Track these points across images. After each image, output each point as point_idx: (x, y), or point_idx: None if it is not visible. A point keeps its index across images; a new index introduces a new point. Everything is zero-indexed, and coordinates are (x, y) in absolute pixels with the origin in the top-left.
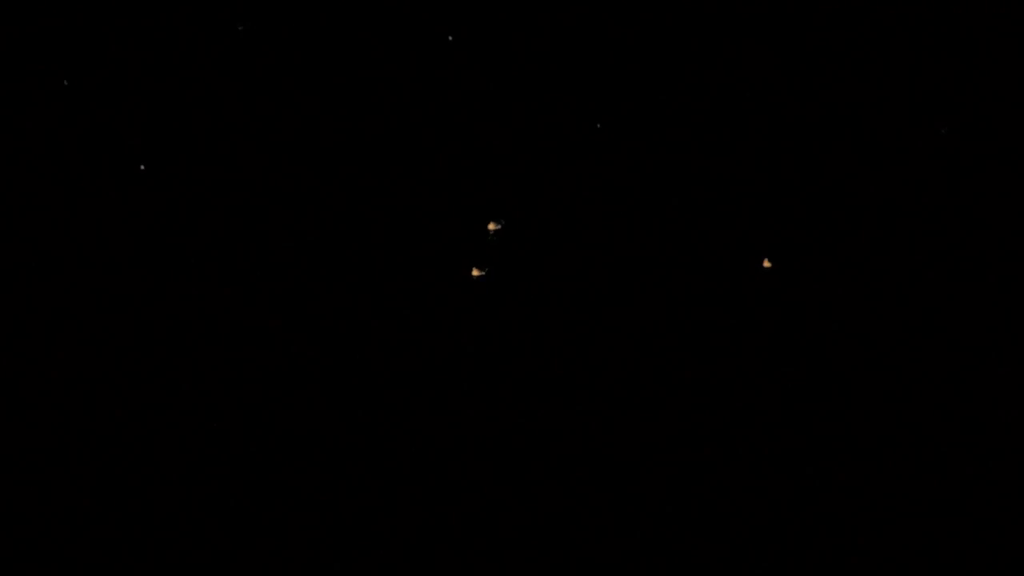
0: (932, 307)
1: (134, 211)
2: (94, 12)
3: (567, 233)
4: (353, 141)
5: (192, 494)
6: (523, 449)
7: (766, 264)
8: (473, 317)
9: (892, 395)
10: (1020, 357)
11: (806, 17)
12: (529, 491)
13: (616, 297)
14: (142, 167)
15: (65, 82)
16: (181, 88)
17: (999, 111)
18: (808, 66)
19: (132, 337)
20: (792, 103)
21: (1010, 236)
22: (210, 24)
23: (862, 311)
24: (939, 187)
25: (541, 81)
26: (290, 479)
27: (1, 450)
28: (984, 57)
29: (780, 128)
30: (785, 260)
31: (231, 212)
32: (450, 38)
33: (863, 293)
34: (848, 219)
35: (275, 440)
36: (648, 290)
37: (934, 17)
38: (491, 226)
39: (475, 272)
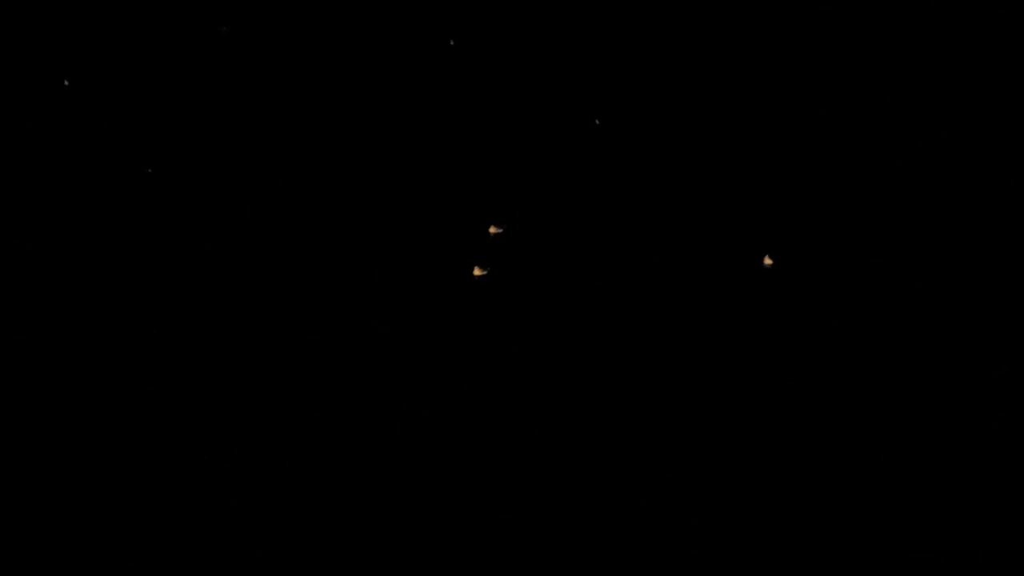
0: (934, 306)
1: (140, 213)
2: (94, 12)
3: (568, 232)
4: (356, 143)
5: (192, 494)
6: (523, 448)
7: (767, 262)
8: (474, 316)
9: (894, 393)
10: (1022, 356)
11: (809, 14)
12: (529, 487)
13: (618, 295)
14: (149, 170)
15: (66, 82)
16: (187, 92)
17: (999, 111)
18: (810, 64)
19: (143, 337)
20: (793, 101)
21: (1011, 235)
22: (213, 26)
23: (863, 309)
24: (941, 186)
25: (541, 83)
26: (291, 478)
27: (1, 450)
28: (984, 57)
29: (781, 127)
30: (786, 258)
31: (235, 213)
32: (452, 43)
33: (864, 291)
34: (849, 217)
35: (277, 438)
36: (650, 288)
37: (935, 16)
38: (492, 229)
39: (477, 272)
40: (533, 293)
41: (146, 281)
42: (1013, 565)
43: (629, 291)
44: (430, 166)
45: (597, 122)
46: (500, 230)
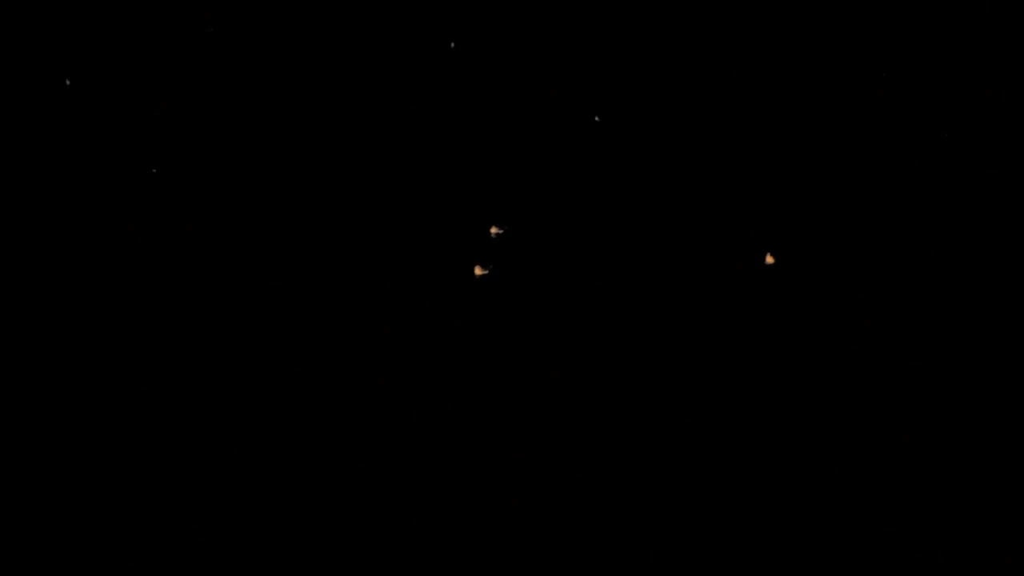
0: (936, 304)
1: (144, 214)
2: (95, 12)
3: (568, 231)
4: (357, 144)
5: (192, 493)
6: (523, 448)
7: (769, 260)
8: (476, 316)
9: (897, 393)
10: None
11: (812, 9)
12: (530, 487)
13: (618, 294)
14: (154, 170)
15: (67, 82)
16: (189, 92)
17: (1000, 110)
18: (812, 60)
19: (146, 336)
20: (795, 97)
21: (1013, 233)
22: (218, 29)
23: (866, 308)
24: (943, 184)
25: (541, 85)
26: (292, 478)
27: (1, 450)
28: (985, 57)
29: (783, 123)
30: (788, 256)
31: (236, 214)
32: (452, 45)
33: (867, 289)
34: (852, 215)
35: (277, 438)
36: (651, 285)
37: (937, 16)
38: (493, 230)
39: (478, 271)
40: (535, 291)
41: (146, 281)
42: (1013, 565)
43: (630, 289)
44: (433, 168)
45: (597, 119)
46: (501, 231)
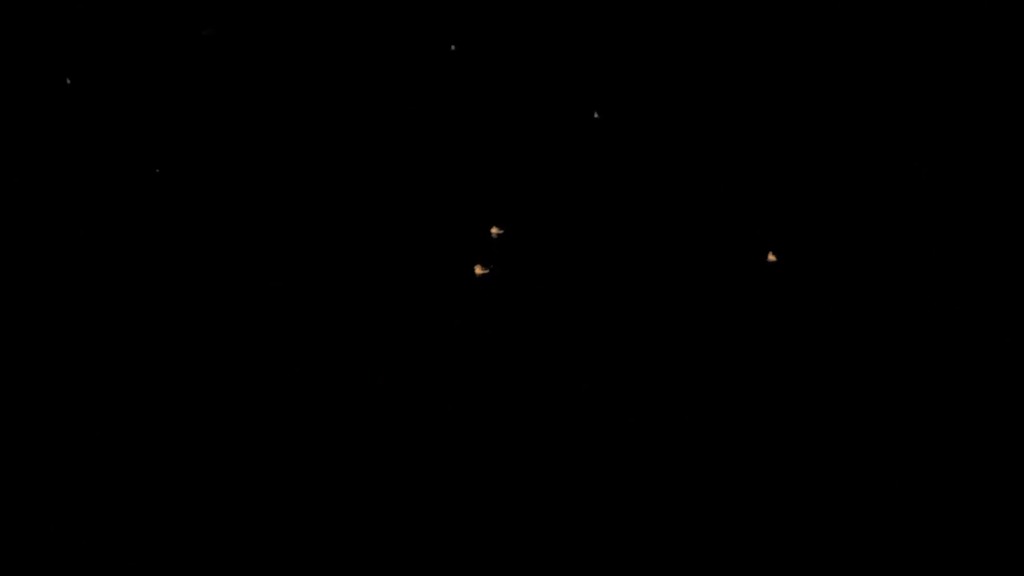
0: (939, 302)
1: (143, 214)
2: (95, 13)
3: (569, 230)
4: (359, 145)
5: (192, 493)
6: (524, 447)
7: (771, 258)
8: (476, 315)
9: (900, 391)
10: None
11: (814, 6)
12: (531, 486)
13: (619, 292)
14: (157, 170)
15: (68, 81)
16: (190, 93)
17: (1000, 110)
18: (814, 56)
19: (146, 338)
20: (797, 95)
21: (1014, 232)
22: (221, 30)
23: (869, 306)
24: (945, 183)
25: (542, 86)
26: (291, 478)
27: (1, 450)
28: (987, 56)
29: (785, 119)
30: (791, 254)
31: (236, 214)
32: (453, 47)
33: (870, 288)
34: (854, 213)
35: (277, 438)
36: (651, 284)
37: (937, 16)
38: (494, 230)
39: (478, 270)
40: (536, 289)
41: (146, 281)
42: (1013, 565)
43: (632, 286)
44: (431, 167)
45: (596, 115)
46: (502, 231)
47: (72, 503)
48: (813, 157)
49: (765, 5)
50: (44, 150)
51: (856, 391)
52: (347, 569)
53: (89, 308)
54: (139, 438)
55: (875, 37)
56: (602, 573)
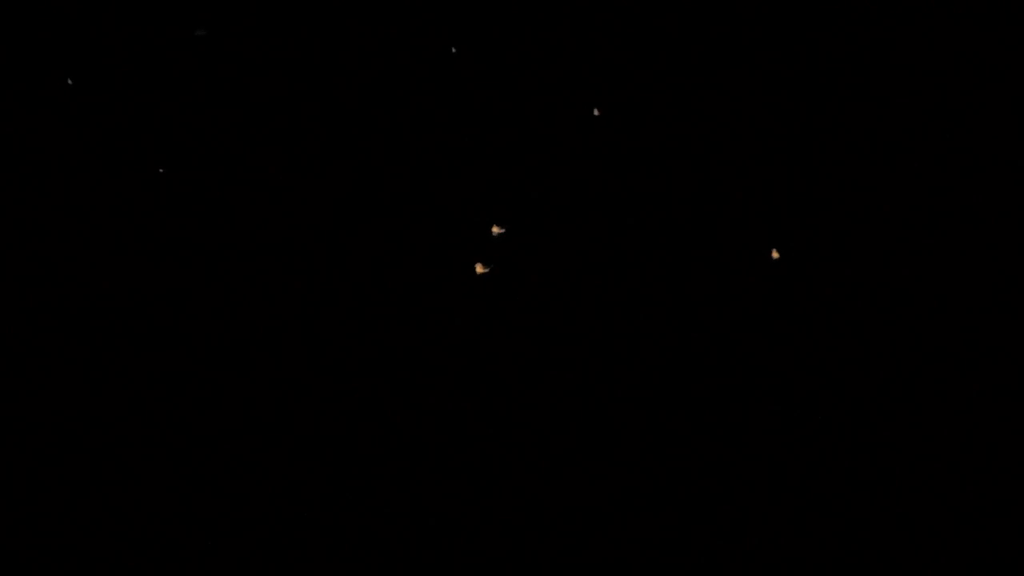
0: (940, 300)
1: (150, 213)
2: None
3: (569, 229)
4: (359, 145)
5: (191, 493)
6: (524, 446)
7: (774, 255)
8: (478, 313)
9: (901, 387)
10: None
11: (816, 5)
12: (531, 486)
13: (624, 288)
14: (160, 170)
15: (69, 81)
16: (191, 93)
17: (1001, 109)
18: (816, 57)
19: (149, 336)
20: (800, 94)
21: (1014, 230)
22: (222, 33)
23: (870, 302)
24: (946, 181)
25: (542, 87)
26: (292, 478)
27: (1, 450)
28: (987, 55)
29: (787, 119)
30: (793, 251)
31: (237, 214)
32: (453, 50)
33: (871, 284)
34: (855, 210)
35: (277, 438)
36: (653, 280)
37: (940, 15)
38: (495, 229)
39: (479, 269)
40: (537, 287)
41: (146, 281)
42: (1012, 565)
43: (633, 284)
44: (433, 168)
45: (596, 112)
46: (503, 230)
47: (72, 503)
48: (816, 155)
49: (766, 5)
50: (44, 150)
51: (859, 387)
52: (347, 569)
53: (89, 308)
54: (139, 438)
55: (875, 37)
56: (602, 573)
